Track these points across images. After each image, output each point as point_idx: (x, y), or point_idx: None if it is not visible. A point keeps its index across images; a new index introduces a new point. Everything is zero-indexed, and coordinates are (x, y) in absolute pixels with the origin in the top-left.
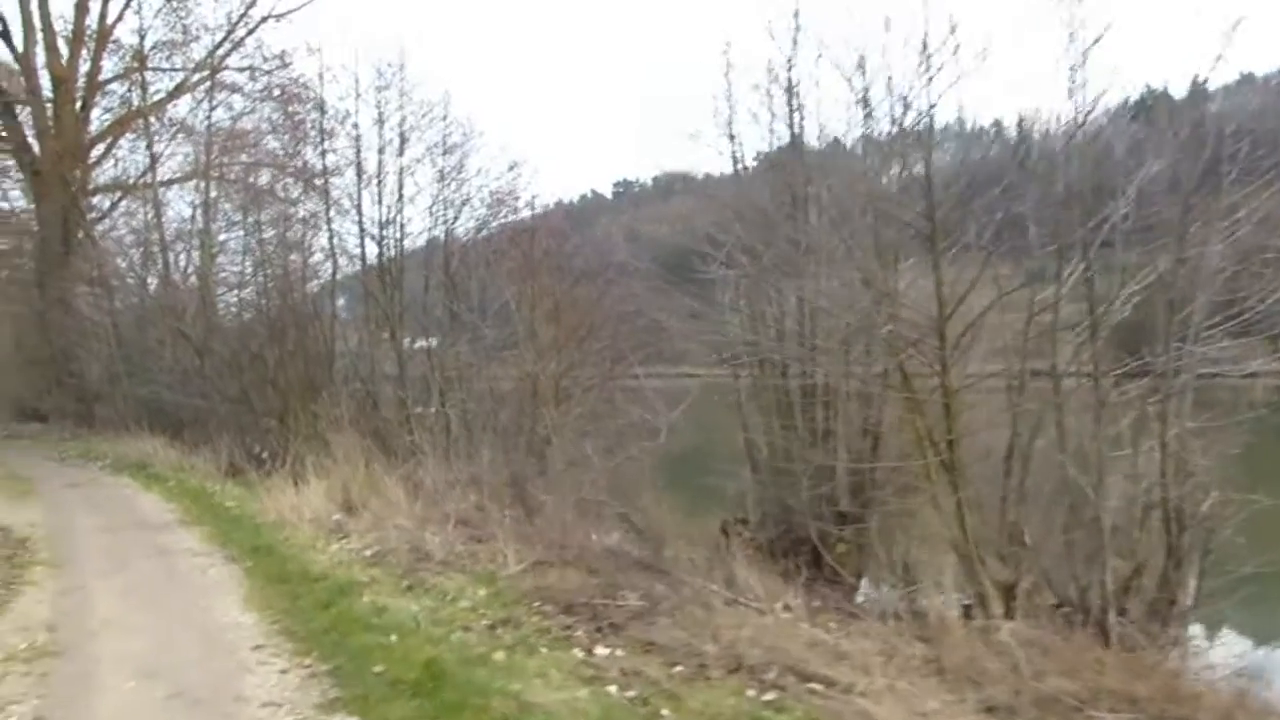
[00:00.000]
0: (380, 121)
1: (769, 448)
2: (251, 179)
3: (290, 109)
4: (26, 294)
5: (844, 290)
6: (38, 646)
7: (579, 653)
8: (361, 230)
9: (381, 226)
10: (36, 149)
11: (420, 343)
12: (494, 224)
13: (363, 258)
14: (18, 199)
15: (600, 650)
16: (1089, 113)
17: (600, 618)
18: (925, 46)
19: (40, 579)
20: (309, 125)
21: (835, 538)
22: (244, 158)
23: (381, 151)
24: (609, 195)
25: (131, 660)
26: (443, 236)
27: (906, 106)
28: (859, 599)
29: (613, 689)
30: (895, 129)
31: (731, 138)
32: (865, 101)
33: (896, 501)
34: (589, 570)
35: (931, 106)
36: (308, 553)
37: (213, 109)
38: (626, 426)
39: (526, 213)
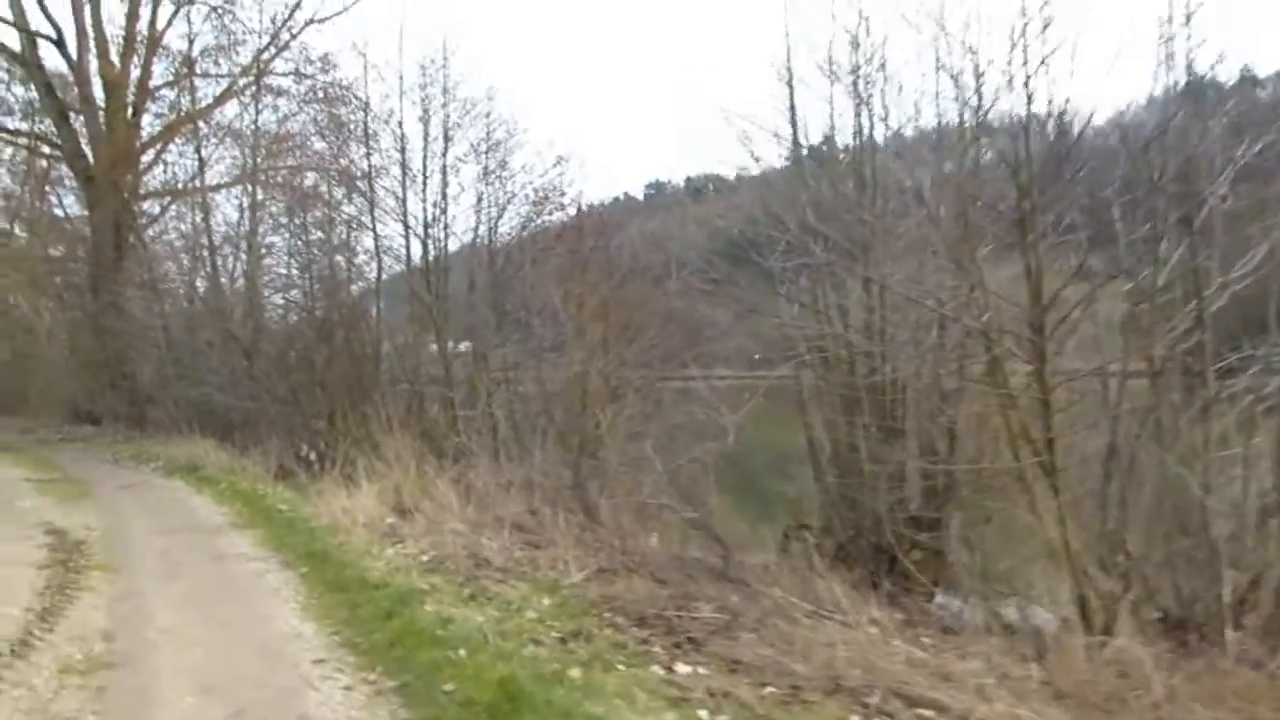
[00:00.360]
0: (424, 119)
1: (833, 448)
2: (297, 181)
3: (334, 111)
4: (81, 299)
5: (924, 280)
6: (94, 657)
7: (659, 670)
8: (406, 229)
9: (426, 226)
10: (90, 156)
11: (463, 345)
12: (538, 221)
13: (407, 257)
14: (72, 206)
15: (681, 668)
16: (1176, 89)
17: (677, 631)
18: (1023, 27)
19: (96, 584)
20: (353, 126)
21: (910, 543)
22: (289, 161)
23: (426, 149)
24: (640, 198)
25: (190, 673)
26: (487, 235)
27: (980, 87)
28: (938, 609)
29: (703, 714)
30: (976, 111)
31: (794, 124)
32: (955, 80)
33: (977, 505)
34: (656, 579)
35: (1026, 84)
36: (364, 558)
37: (259, 112)
38: (678, 428)
39: (571, 210)
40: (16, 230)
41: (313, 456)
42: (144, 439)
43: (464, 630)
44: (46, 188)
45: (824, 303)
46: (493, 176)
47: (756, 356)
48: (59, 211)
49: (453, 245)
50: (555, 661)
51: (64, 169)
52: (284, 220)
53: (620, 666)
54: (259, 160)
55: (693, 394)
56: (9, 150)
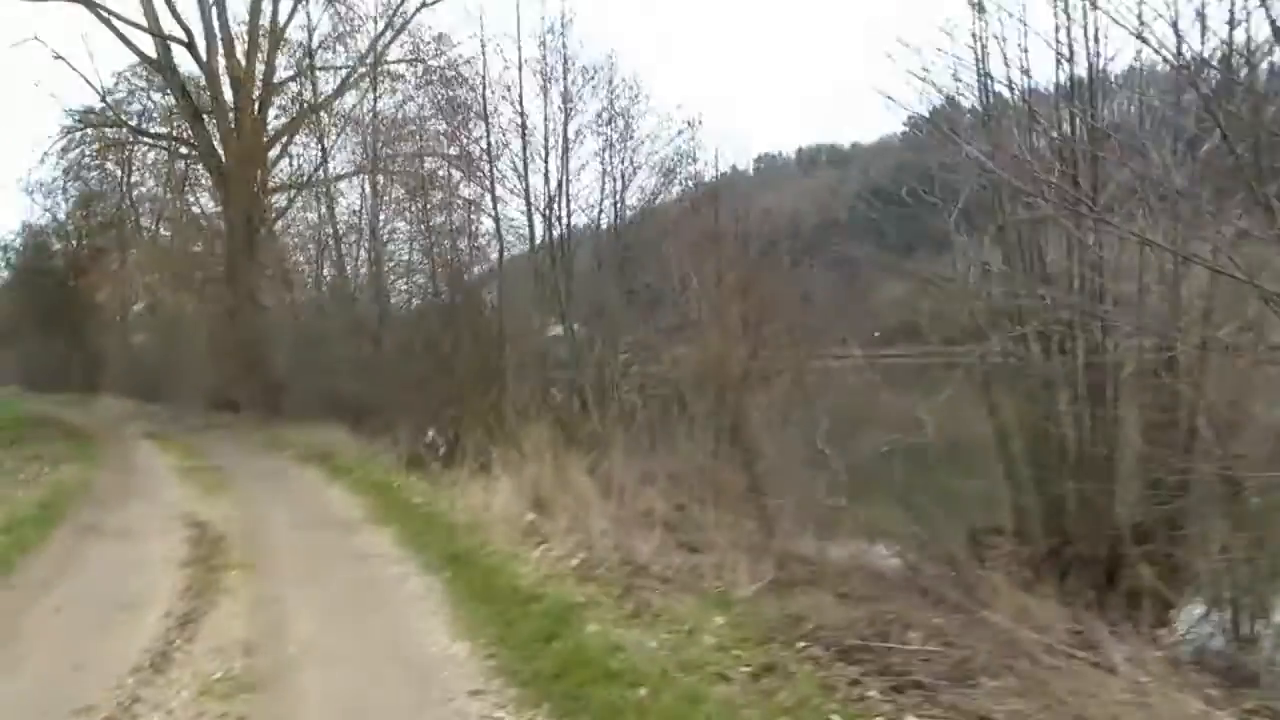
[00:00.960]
0: (544, 90)
1: (1029, 438)
2: (416, 166)
3: (451, 92)
4: (218, 291)
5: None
6: (234, 677)
7: None
8: (529, 206)
9: (550, 202)
10: (221, 154)
11: (576, 326)
12: (666, 193)
13: (530, 237)
14: (209, 204)
15: None
16: None
17: (893, 670)
18: None
19: (235, 586)
20: (471, 106)
21: (1139, 555)
22: (408, 146)
23: (546, 123)
24: (750, 172)
25: (337, 700)
26: (612, 210)
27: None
28: (1178, 637)
29: None
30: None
31: (988, 77)
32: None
33: (1231, 506)
34: (840, 594)
35: None
36: (510, 562)
37: (377, 99)
38: (842, 414)
39: (702, 178)
40: (161, 230)
41: (441, 445)
42: (278, 426)
43: (638, 660)
44: (185, 188)
45: (1025, 264)
46: (616, 148)
47: (876, 334)
48: (196, 210)
49: (576, 222)
50: (753, 707)
51: (200, 169)
52: (405, 205)
53: (835, 719)
54: (379, 147)
55: (834, 376)
56: (151, 155)
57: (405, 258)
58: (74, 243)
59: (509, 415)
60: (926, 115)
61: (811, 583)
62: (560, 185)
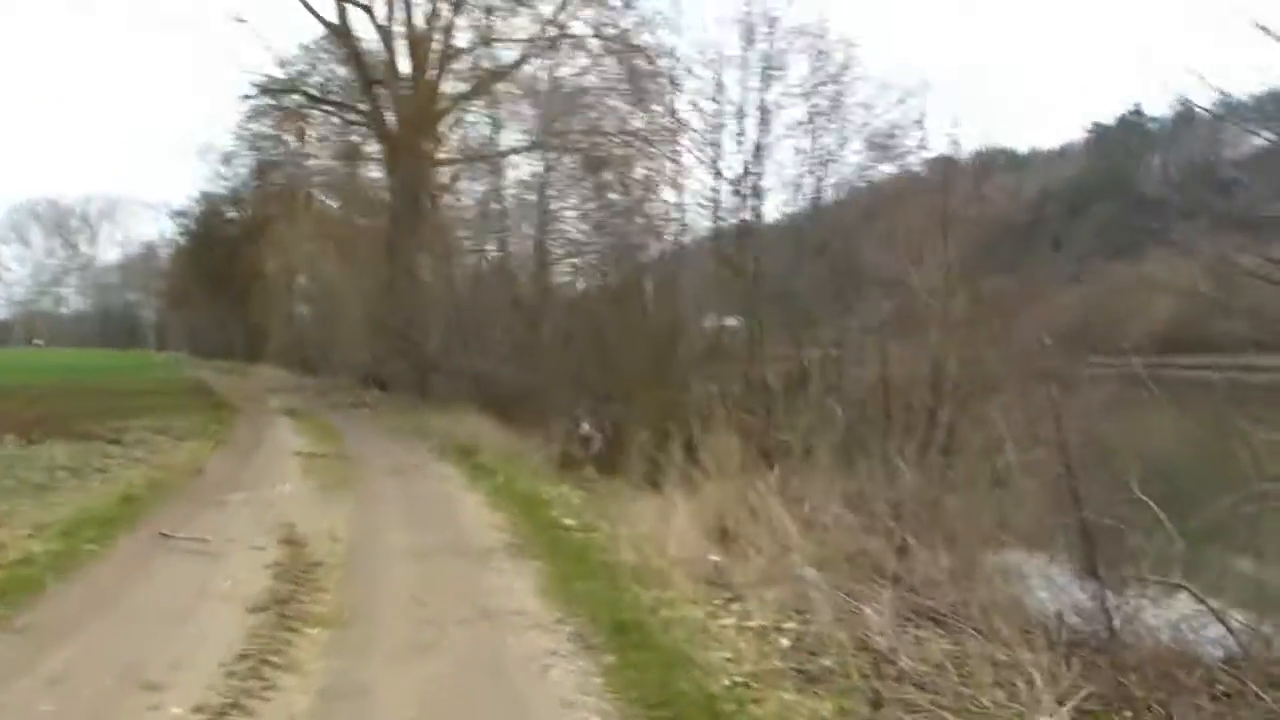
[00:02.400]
0: (745, 49)
1: None
2: (593, 140)
3: (634, 63)
4: (378, 264)
5: None
6: None
7: None
8: (717, 179)
9: (744, 177)
10: (392, 122)
11: (730, 320)
12: (877, 169)
13: (715, 215)
14: (380, 180)
15: None
16: None
17: None
18: None
19: (307, 659)
20: (654, 77)
21: None
22: (585, 120)
23: (743, 86)
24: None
25: None
26: (812, 188)
27: None
28: None
29: None
30: None
31: None
32: None
33: None
34: None
35: None
36: (698, 641)
37: (555, 69)
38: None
39: (921, 155)
40: (330, 202)
41: (598, 444)
42: (425, 409)
43: None
44: (357, 161)
45: None
46: (821, 119)
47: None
48: (367, 188)
49: (769, 201)
50: None
51: (372, 143)
52: (578, 180)
53: None
54: (553, 121)
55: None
56: (326, 127)
57: (573, 236)
58: (247, 212)
59: (689, 419)
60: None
61: (1155, 688)
62: (755, 156)
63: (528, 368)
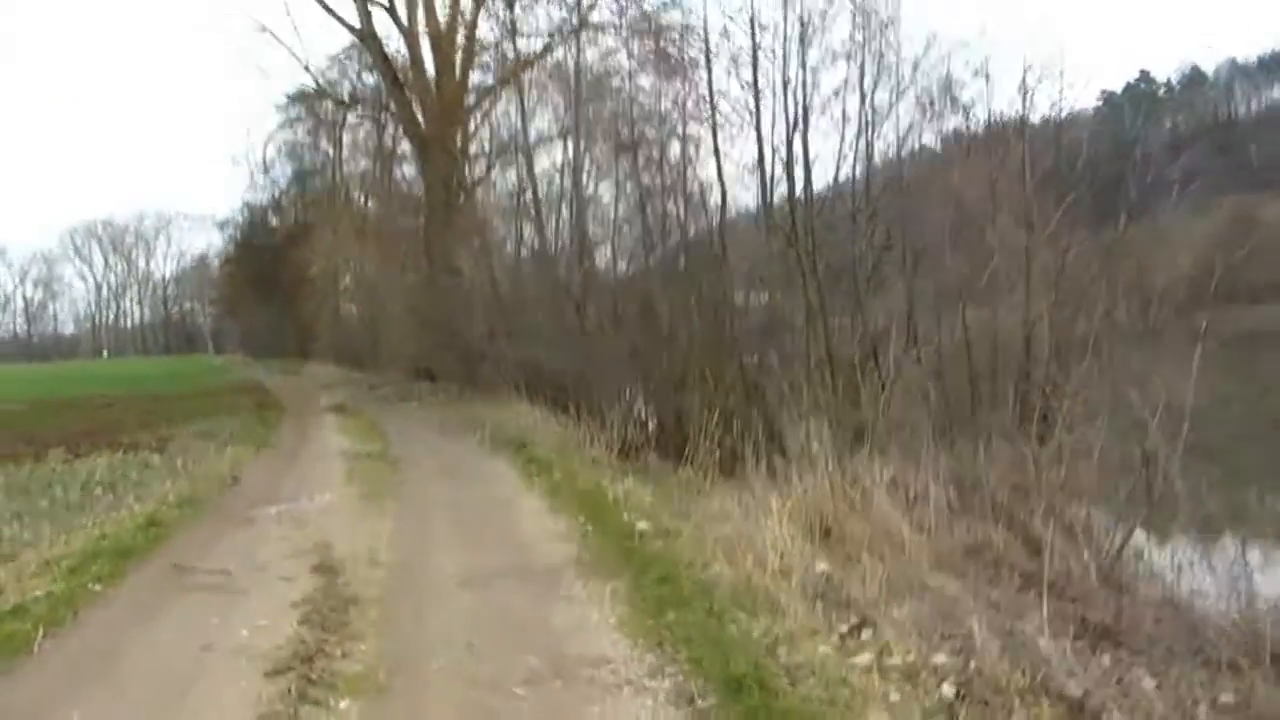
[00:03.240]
0: (783, 11)
1: None
2: (622, 123)
3: (661, 43)
4: (418, 260)
5: None
6: None
7: None
8: (760, 148)
9: (788, 145)
10: (421, 120)
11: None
12: (932, 129)
13: (762, 185)
14: (414, 176)
15: None
16: None
17: None
18: None
19: None
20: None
21: None
22: (613, 104)
23: (783, 54)
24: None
25: None
26: (861, 151)
27: None
28: None
29: None
30: None
31: None
32: None
33: None
34: None
35: None
36: (840, 703)
37: (580, 54)
38: None
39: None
40: (368, 204)
41: (662, 432)
42: (474, 400)
43: None
44: (391, 162)
45: None
46: (868, 79)
47: None
48: (402, 185)
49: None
50: None
51: (405, 144)
52: (612, 164)
53: None
54: (582, 106)
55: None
56: (361, 131)
57: (611, 218)
58: (290, 219)
59: (762, 400)
60: None
61: None
62: (800, 122)
63: (576, 353)
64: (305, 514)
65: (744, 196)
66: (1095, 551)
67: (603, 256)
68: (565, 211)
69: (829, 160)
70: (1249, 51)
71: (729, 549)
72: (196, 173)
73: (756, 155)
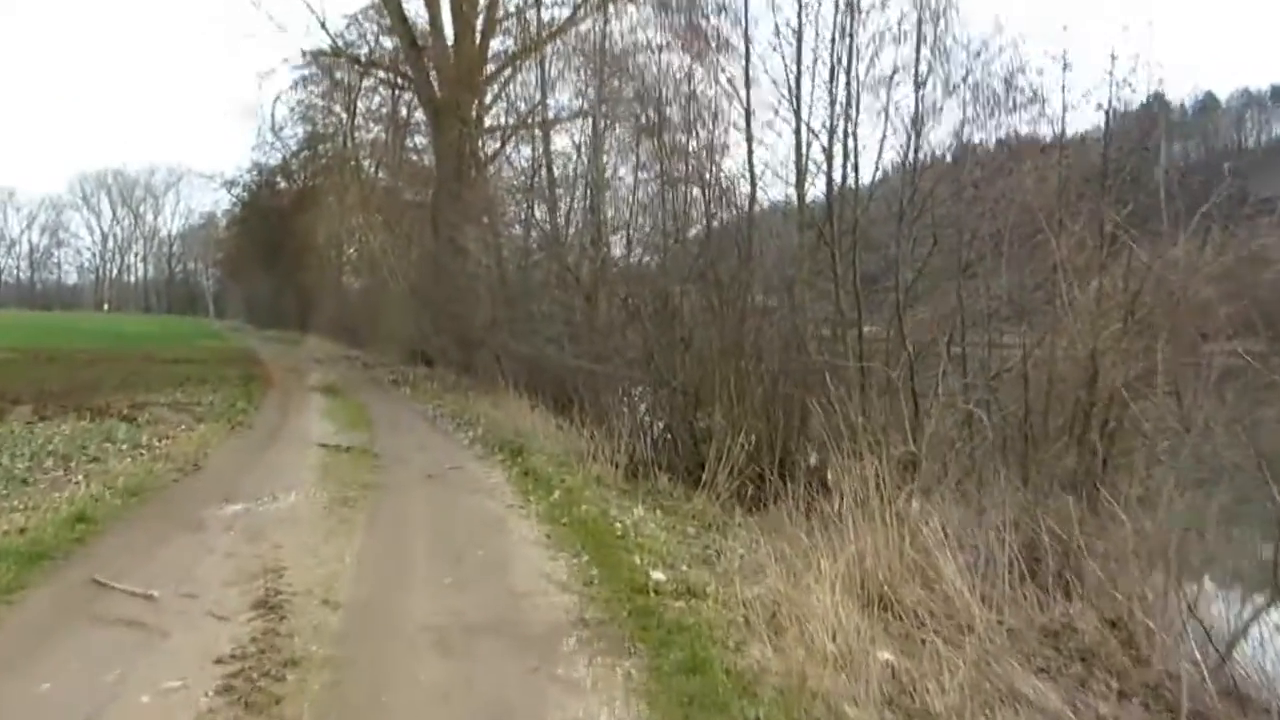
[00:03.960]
0: None
1: None
2: (647, 103)
3: (694, 18)
4: (423, 236)
5: None
6: None
7: None
8: (799, 142)
9: (830, 131)
10: (436, 87)
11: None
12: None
13: (798, 179)
14: (426, 148)
15: None
16: None
17: None
18: None
19: None
20: (721, 27)
21: None
22: (639, 80)
23: (829, 34)
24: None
25: None
26: (912, 143)
27: None
28: None
29: None
30: None
31: None
32: None
33: None
34: None
35: None
36: None
37: (606, 24)
38: None
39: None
40: (379, 173)
41: (678, 449)
42: (471, 391)
43: None
44: (405, 132)
45: None
46: (923, 64)
47: None
48: (414, 159)
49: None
50: None
51: (419, 114)
52: (633, 146)
53: None
54: (604, 83)
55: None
56: (376, 98)
57: (630, 205)
58: (297, 183)
59: (804, 423)
60: None
61: None
62: (844, 109)
63: (583, 348)
64: (263, 521)
65: (774, 190)
66: (1201, 643)
67: (618, 246)
68: (580, 194)
69: (871, 153)
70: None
71: (768, 616)
72: (211, 130)
73: (794, 143)
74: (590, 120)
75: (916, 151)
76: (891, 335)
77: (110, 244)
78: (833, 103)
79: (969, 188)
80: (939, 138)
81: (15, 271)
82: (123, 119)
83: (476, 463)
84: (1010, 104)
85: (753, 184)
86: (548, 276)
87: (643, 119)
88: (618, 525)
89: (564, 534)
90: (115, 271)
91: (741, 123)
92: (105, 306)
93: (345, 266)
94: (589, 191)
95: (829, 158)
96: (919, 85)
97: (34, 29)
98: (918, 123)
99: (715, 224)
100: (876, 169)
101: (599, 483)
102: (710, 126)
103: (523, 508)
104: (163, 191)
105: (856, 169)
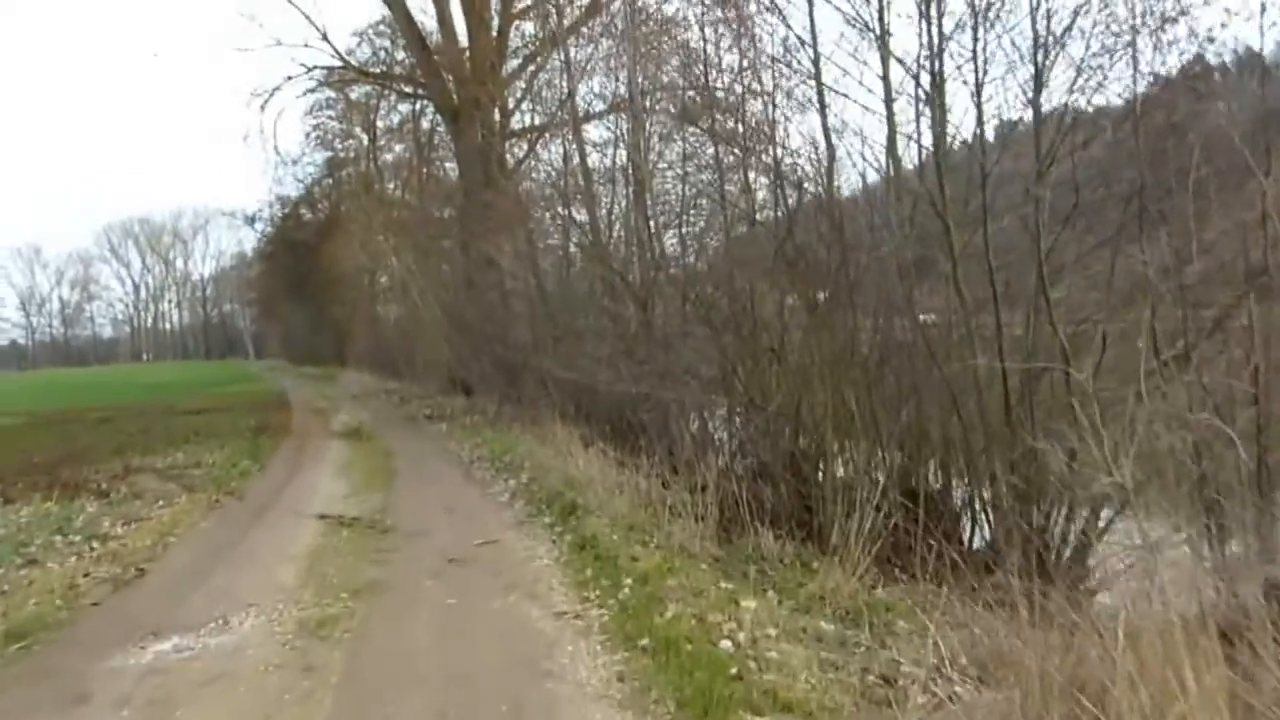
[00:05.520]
0: None
1: None
2: (690, 78)
3: None
4: (453, 256)
5: None
6: None
7: None
8: (888, 93)
9: (932, 78)
10: (454, 92)
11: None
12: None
13: (889, 138)
14: (451, 166)
15: None
16: None
17: None
18: None
19: None
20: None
21: None
22: (677, 58)
23: None
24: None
25: None
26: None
27: None
28: None
29: None
30: None
31: None
32: None
33: None
34: None
35: None
36: None
37: (634, 6)
38: None
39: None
40: (405, 195)
41: (777, 488)
42: (514, 422)
43: None
44: (430, 151)
45: None
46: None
47: None
48: (440, 175)
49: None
50: None
51: (443, 131)
52: (676, 131)
53: None
54: (636, 69)
55: None
56: (395, 118)
57: (678, 198)
58: (322, 212)
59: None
60: None
61: None
62: (943, 41)
63: (640, 369)
64: (182, 682)
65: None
66: None
67: (668, 245)
68: (622, 191)
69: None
70: None
71: None
72: (235, 169)
73: (883, 92)
74: (629, 105)
75: (1039, 93)
76: (1034, 323)
77: (143, 293)
78: (930, 35)
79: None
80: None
81: (48, 330)
82: (143, 166)
83: (516, 531)
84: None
85: (830, 153)
86: (592, 285)
87: (689, 97)
88: (725, 643)
89: (646, 672)
90: (150, 320)
91: (807, 83)
92: (145, 356)
93: (379, 295)
94: (629, 187)
95: (933, 104)
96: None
97: (40, 83)
98: (1039, 55)
99: (790, 202)
100: (979, 121)
101: (683, 553)
102: (770, 90)
103: (579, 616)
104: (191, 235)
105: (980, 113)
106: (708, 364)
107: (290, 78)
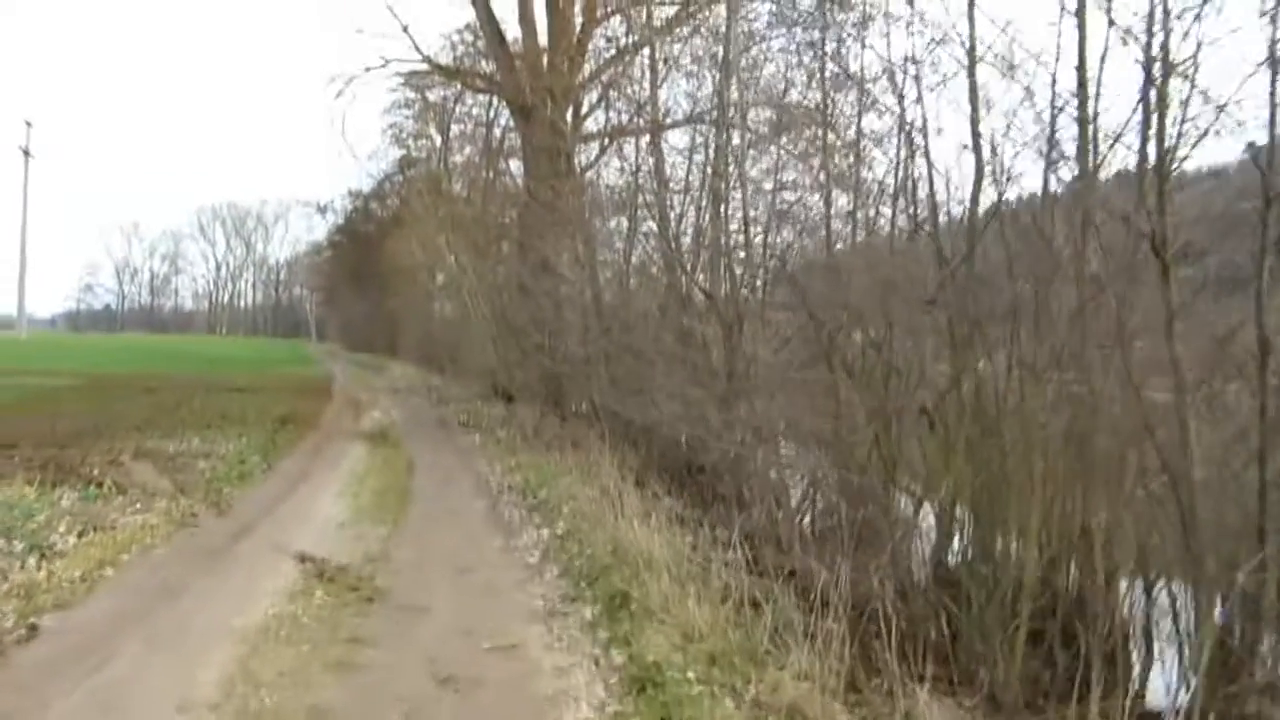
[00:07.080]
0: None
1: None
2: (782, 94)
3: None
4: (509, 259)
5: None
6: None
7: None
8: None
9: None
10: (528, 88)
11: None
12: None
13: (1081, 142)
14: (519, 170)
15: None
16: None
17: None
18: None
19: None
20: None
21: None
22: (770, 68)
23: None
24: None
25: None
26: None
27: None
28: None
29: None
30: None
31: None
32: None
33: None
34: None
35: None
36: None
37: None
38: None
39: None
40: (471, 196)
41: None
42: (555, 442)
43: None
44: (499, 155)
45: None
46: None
47: None
48: (507, 181)
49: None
50: None
51: (515, 138)
52: (764, 147)
53: None
54: (729, 73)
55: None
56: (469, 123)
57: (769, 210)
58: (390, 208)
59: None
60: None
61: None
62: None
63: (721, 414)
64: None
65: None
66: None
67: (749, 262)
68: (704, 202)
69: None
70: None
71: None
72: (318, 164)
73: (1076, 82)
74: (716, 115)
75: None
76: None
77: (223, 271)
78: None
79: None
80: None
81: (138, 298)
82: (239, 155)
83: (544, 627)
84: None
85: (979, 163)
86: (666, 300)
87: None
88: None
89: None
90: (227, 297)
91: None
92: (221, 330)
93: (434, 292)
94: (710, 197)
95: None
96: None
97: (157, 76)
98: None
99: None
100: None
101: (814, 702)
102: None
103: None
104: (272, 221)
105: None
106: (819, 414)
107: (369, 68)
